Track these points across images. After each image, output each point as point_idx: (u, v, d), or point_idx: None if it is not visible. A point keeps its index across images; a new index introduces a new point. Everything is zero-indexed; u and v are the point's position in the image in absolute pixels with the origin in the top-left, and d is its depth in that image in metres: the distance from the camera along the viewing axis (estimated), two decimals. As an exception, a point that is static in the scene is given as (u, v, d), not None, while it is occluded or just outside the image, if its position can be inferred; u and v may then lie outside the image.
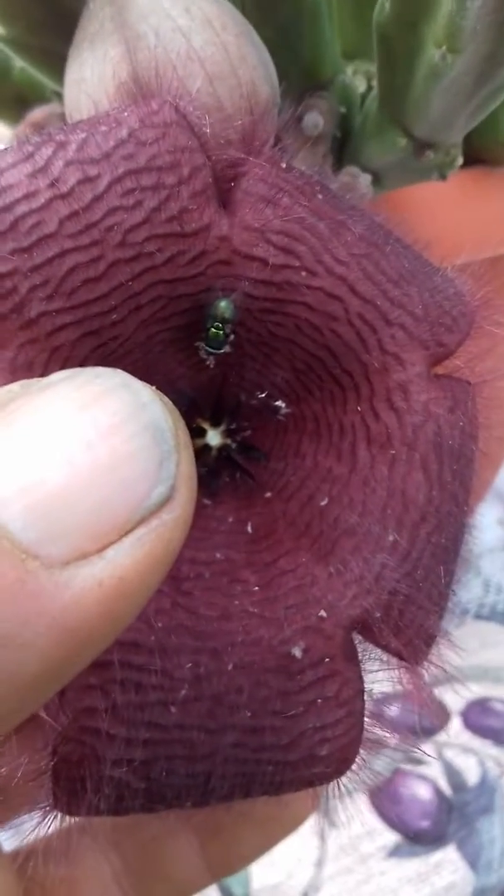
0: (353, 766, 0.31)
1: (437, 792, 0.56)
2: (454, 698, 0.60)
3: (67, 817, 0.28)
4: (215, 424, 0.32)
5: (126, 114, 0.28)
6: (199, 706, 0.27)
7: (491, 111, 0.39)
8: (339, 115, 0.40)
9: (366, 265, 0.30)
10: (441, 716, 0.58)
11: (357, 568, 0.30)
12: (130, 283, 0.28)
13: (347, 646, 0.30)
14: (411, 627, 0.30)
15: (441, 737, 0.58)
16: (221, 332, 0.30)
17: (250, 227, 0.29)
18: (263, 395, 0.32)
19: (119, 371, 0.21)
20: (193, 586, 0.29)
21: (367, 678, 0.31)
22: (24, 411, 0.20)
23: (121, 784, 0.27)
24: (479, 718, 0.59)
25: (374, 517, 0.30)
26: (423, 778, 0.56)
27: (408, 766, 0.57)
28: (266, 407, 0.32)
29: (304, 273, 0.29)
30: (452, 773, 0.56)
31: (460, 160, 0.39)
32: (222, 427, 0.32)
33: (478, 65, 0.33)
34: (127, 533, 0.20)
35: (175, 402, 0.22)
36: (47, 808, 0.28)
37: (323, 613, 0.29)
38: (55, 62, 0.38)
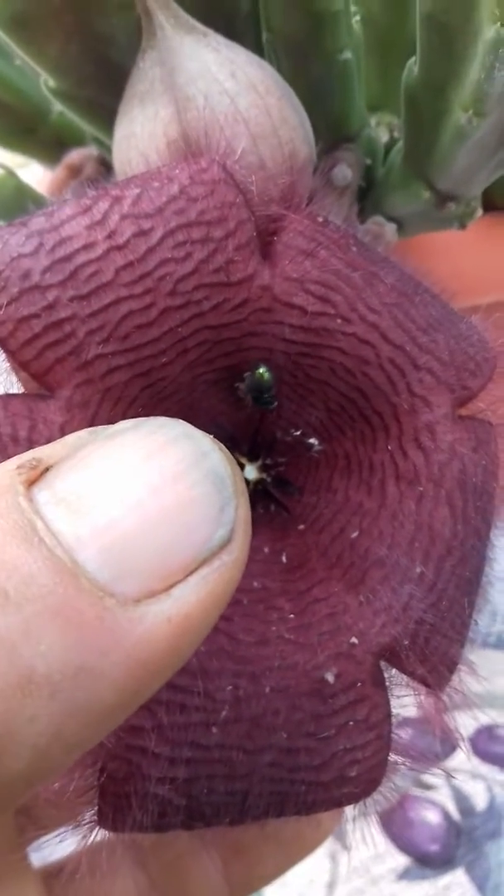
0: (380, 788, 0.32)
1: (446, 816, 0.57)
2: (463, 725, 0.61)
3: (107, 833, 0.30)
4: (252, 459, 0.34)
5: (177, 171, 0.30)
6: (238, 727, 0.29)
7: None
8: (364, 166, 0.43)
9: (396, 313, 0.32)
10: (451, 742, 0.60)
11: (386, 598, 0.31)
12: (179, 328, 0.30)
13: (376, 672, 0.31)
14: (436, 655, 0.31)
15: (450, 762, 0.59)
16: (266, 397, 0.32)
17: (290, 278, 0.31)
18: (298, 433, 0.34)
19: (181, 421, 0.23)
20: (233, 613, 0.31)
21: (393, 705, 0.32)
22: (95, 457, 0.22)
23: (164, 801, 0.28)
24: (487, 745, 0.61)
25: (402, 550, 0.31)
26: (433, 802, 0.58)
27: (417, 791, 0.58)
28: (300, 444, 0.34)
29: (339, 320, 0.31)
30: (461, 798, 0.57)
31: (480, 212, 0.41)
32: (259, 462, 0.34)
33: (501, 126, 0.36)
34: (192, 573, 0.21)
35: (216, 438, 0.24)
36: (90, 824, 0.29)
37: (354, 640, 0.31)
38: (100, 112, 0.40)
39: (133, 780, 0.28)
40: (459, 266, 0.46)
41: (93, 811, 0.29)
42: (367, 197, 0.43)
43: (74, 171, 0.47)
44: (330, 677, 0.30)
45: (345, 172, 0.39)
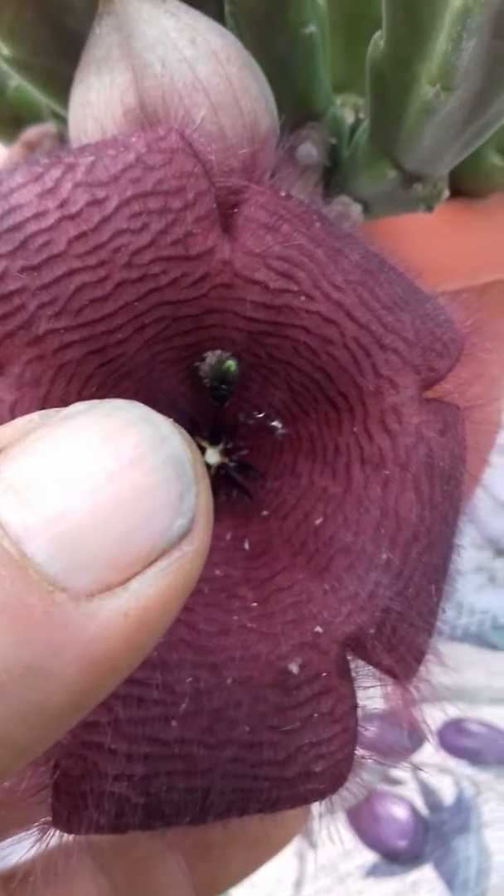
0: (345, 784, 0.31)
1: (414, 812, 0.56)
2: (430, 718, 0.60)
3: (64, 835, 0.28)
4: (214, 443, 0.33)
5: (133, 139, 0.29)
6: (199, 721, 0.28)
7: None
8: (329, 146, 0.42)
9: (361, 291, 0.31)
10: (418, 736, 0.59)
11: (351, 585, 0.30)
12: (136, 303, 0.29)
13: (342, 662, 0.30)
14: (403, 644, 0.31)
15: (417, 757, 0.59)
16: (224, 389, 0.31)
17: (252, 252, 0.30)
18: (261, 416, 0.33)
19: (138, 403, 0.22)
20: (193, 602, 0.30)
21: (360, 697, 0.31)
22: (47, 441, 0.20)
23: (121, 799, 0.27)
24: (454, 739, 0.60)
25: (368, 536, 0.30)
26: (400, 798, 0.57)
27: (384, 786, 0.57)
28: (263, 427, 0.33)
29: (302, 297, 0.30)
30: (428, 793, 0.57)
31: (447, 193, 0.41)
32: (220, 446, 0.33)
33: (468, 102, 0.35)
34: (150, 564, 0.20)
35: (176, 421, 0.23)
36: (45, 826, 0.28)
37: (319, 629, 0.30)
38: (56, 83, 0.39)
39: (89, 778, 0.27)
40: (426, 252, 0.45)
41: (47, 812, 0.27)
42: (333, 177, 0.42)
43: (32, 148, 0.46)
44: (294, 668, 0.29)
45: (309, 150, 0.38)
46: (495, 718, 0.63)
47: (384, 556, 0.30)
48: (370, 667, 0.31)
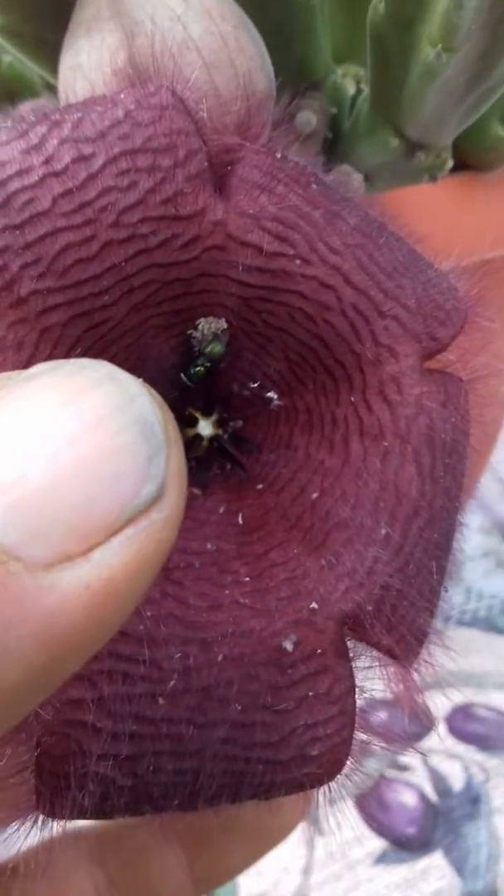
0: (344, 770, 0.30)
1: (423, 798, 0.55)
2: (438, 704, 0.59)
3: (50, 821, 0.27)
4: (207, 414, 0.32)
5: (122, 95, 0.28)
6: (188, 698, 0.27)
7: (478, 118, 0.39)
8: (329, 116, 0.41)
9: (360, 255, 0.30)
10: (426, 721, 0.58)
11: (349, 561, 0.29)
12: (123, 264, 0.28)
13: (339, 641, 0.29)
14: (403, 624, 0.29)
15: (426, 743, 0.58)
16: (202, 369, 0.30)
17: (245, 213, 0.29)
18: (256, 386, 0.31)
19: (105, 362, 0.20)
20: (184, 576, 0.29)
21: (358, 679, 0.30)
22: (6, 402, 0.19)
23: (106, 781, 0.26)
24: (463, 724, 0.59)
25: (367, 510, 0.29)
26: (409, 784, 0.56)
27: (393, 773, 0.56)
28: (258, 397, 0.32)
29: (298, 261, 0.29)
30: (438, 779, 0.56)
31: (450, 163, 0.39)
32: (214, 417, 0.32)
33: (471, 64, 0.34)
34: (115, 533, 0.19)
35: (166, 390, 0.21)
36: (30, 812, 0.27)
37: (314, 606, 0.29)
38: (49, 52, 0.38)
39: (72, 758, 0.26)
40: (431, 226, 0.44)
41: (30, 795, 0.26)
42: (334, 149, 0.41)
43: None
44: (288, 645, 0.28)
45: (308, 118, 0.37)
46: (504, 703, 0.62)
47: (383, 531, 0.29)
48: (371, 648, 0.30)
